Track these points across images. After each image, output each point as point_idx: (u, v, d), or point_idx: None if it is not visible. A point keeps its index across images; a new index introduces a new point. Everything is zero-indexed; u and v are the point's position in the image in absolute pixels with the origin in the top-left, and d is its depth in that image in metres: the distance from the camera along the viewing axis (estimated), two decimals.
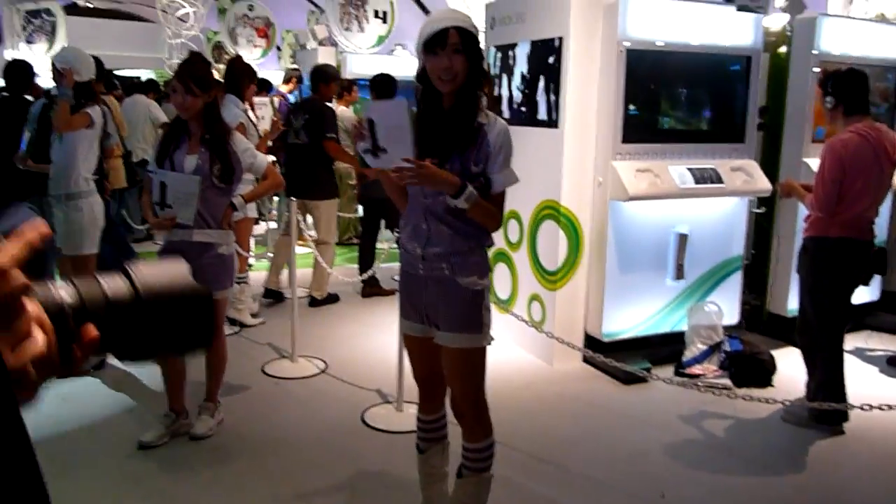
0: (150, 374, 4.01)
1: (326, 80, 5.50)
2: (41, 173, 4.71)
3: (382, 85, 5.64)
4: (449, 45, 2.19)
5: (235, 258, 3.40)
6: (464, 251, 2.29)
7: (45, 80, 11.94)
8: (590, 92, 4.22)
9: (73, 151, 3.98)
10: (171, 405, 3.38)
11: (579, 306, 4.40)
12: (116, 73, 18.34)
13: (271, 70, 15.06)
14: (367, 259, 5.74)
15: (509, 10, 4.64)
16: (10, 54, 15.52)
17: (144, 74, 21.23)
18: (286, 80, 7.54)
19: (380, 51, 11.37)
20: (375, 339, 4.83)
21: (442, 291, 2.30)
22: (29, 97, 5.49)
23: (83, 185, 4.03)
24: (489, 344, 2.36)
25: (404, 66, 8.95)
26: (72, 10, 14.77)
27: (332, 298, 5.65)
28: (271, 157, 7.15)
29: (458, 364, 2.33)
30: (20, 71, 5.75)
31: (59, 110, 3.82)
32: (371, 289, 5.76)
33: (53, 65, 4.03)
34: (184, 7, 15.28)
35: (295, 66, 12.04)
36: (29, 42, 15.18)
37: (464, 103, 2.24)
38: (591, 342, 4.36)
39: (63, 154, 3.97)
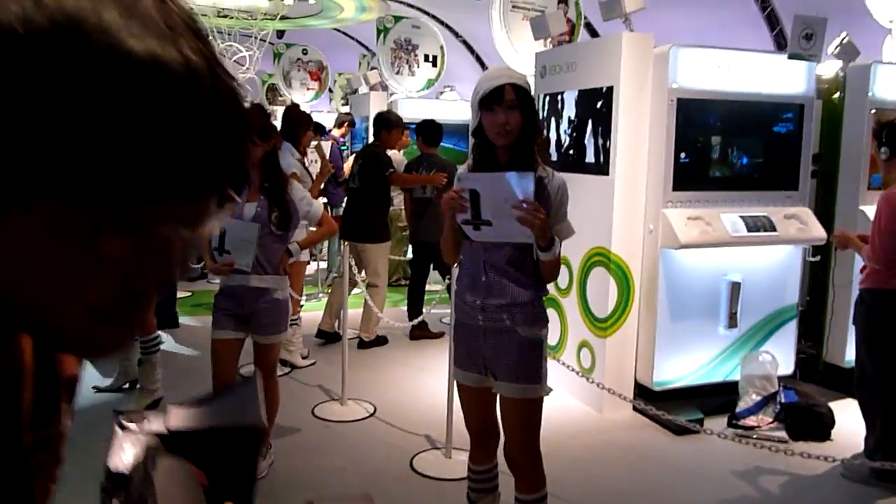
0: None
1: (388, 126, 5.65)
2: None
3: (429, 130, 5.77)
4: (505, 102, 2.27)
5: (290, 302, 3.48)
6: (524, 302, 2.35)
7: None
8: (640, 140, 4.24)
9: None
10: None
11: (630, 354, 4.37)
12: None
13: (323, 112, 15.44)
14: (416, 303, 5.80)
15: (560, 60, 4.72)
16: None
17: None
18: (338, 125, 7.73)
19: (429, 93, 11.60)
20: (424, 384, 4.86)
21: (502, 342, 2.35)
22: None
23: None
24: (547, 394, 2.39)
25: (453, 109, 9.13)
26: None
27: (381, 341, 5.71)
28: (323, 200, 7.34)
29: (517, 414, 2.36)
30: None
31: None
32: (419, 332, 5.81)
33: None
34: (241, 51, 15.84)
35: (347, 110, 12.35)
36: None
37: (520, 157, 2.30)
38: (642, 390, 4.32)
39: None
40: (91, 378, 4.77)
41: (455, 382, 2.58)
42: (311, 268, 7.97)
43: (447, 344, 5.52)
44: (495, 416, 2.48)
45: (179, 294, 6.59)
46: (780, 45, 11.52)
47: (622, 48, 4.17)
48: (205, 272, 8.16)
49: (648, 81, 4.22)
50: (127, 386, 4.56)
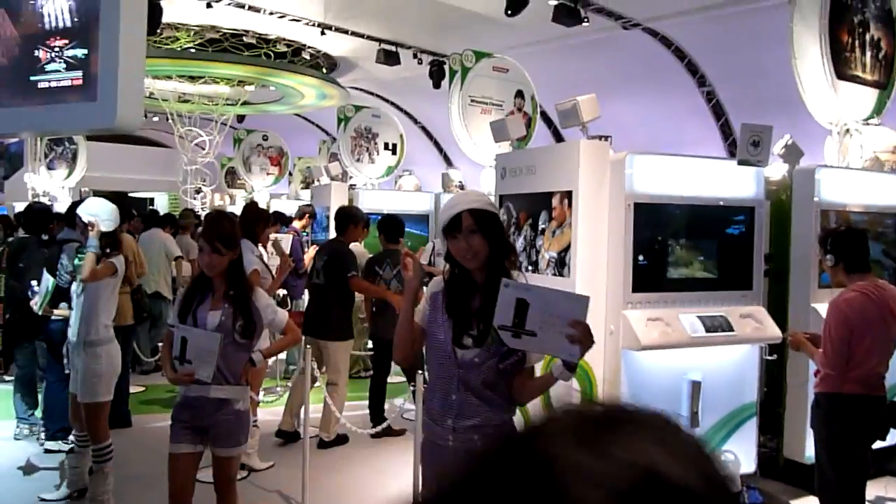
0: None
1: (355, 222, 5.71)
2: (45, 317, 4.84)
3: (391, 227, 5.85)
4: (464, 229, 2.34)
5: (250, 412, 3.42)
6: (498, 423, 2.34)
7: (61, 204, 12.33)
8: (599, 242, 4.36)
9: (96, 300, 4.08)
10: None
11: None
12: (133, 195, 18.90)
13: (282, 199, 15.51)
14: (378, 405, 5.75)
15: (520, 163, 4.86)
16: (29, 178, 16.05)
17: (160, 197, 21.90)
18: (299, 216, 7.77)
19: (388, 180, 11.78)
20: (389, 488, 4.76)
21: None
22: (44, 237, 5.70)
23: (103, 333, 4.11)
24: None
25: (413, 200, 9.27)
26: (92, 136, 15.43)
27: (342, 440, 5.60)
28: (283, 291, 7.29)
29: None
30: (41, 215, 5.99)
31: (86, 261, 3.95)
32: (381, 431, 5.70)
33: (78, 215, 4.18)
34: (201, 135, 15.95)
35: (307, 195, 12.43)
36: (49, 168, 15.72)
37: (494, 275, 2.32)
38: None
39: (86, 303, 4.08)
40: (37, 487, 4.56)
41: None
42: (270, 360, 7.86)
43: (410, 441, 5.48)
44: None
45: (132, 389, 6.40)
46: (726, 133, 12.09)
47: (580, 154, 4.32)
48: (158, 364, 7.97)
49: (606, 186, 4.37)
50: (76, 495, 4.37)
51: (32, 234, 5.90)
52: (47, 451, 5.24)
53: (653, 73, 11.48)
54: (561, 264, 4.41)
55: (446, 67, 12.15)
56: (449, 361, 2.37)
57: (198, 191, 15.97)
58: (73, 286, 4.18)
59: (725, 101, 11.73)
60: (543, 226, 4.58)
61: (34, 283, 4.97)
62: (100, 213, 4.11)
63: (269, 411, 5.96)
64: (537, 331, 2.17)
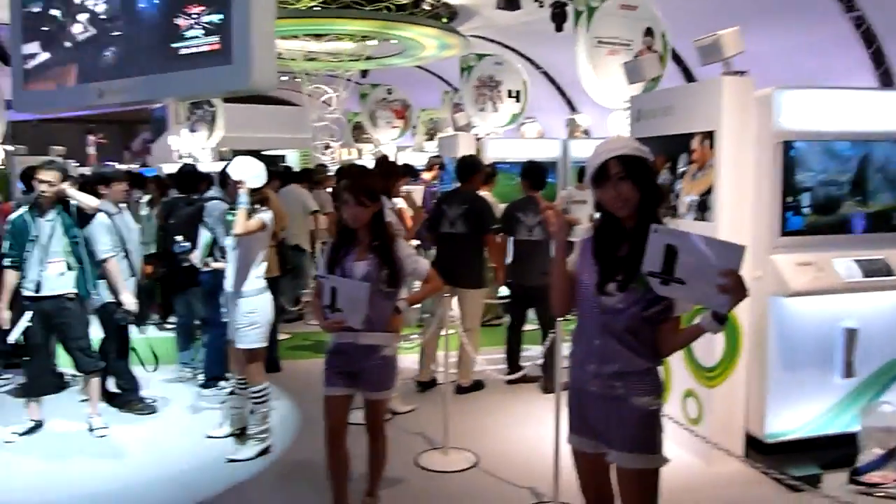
0: (314, 469, 4.22)
1: (480, 170, 5.74)
2: (196, 269, 5.23)
3: (536, 174, 5.79)
4: (613, 176, 2.29)
5: (397, 357, 3.55)
6: (641, 370, 2.33)
7: (203, 164, 13.04)
8: (744, 184, 4.16)
9: (248, 254, 4.33)
10: (335, 500, 3.52)
11: (739, 404, 4.24)
12: (266, 152, 19.69)
13: (407, 151, 15.73)
14: (514, 354, 5.81)
15: (656, 104, 4.69)
16: (173, 140, 17.07)
17: (291, 154, 22.78)
18: (428, 168, 7.86)
19: (513, 128, 11.68)
20: (526, 432, 4.85)
21: (615, 410, 2.33)
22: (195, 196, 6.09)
23: (256, 284, 4.37)
24: (664, 465, 2.36)
25: (540, 147, 9.15)
26: (229, 98, 16.19)
27: (478, 385, 5.73)
28: (414, 242, 7.45)
29: (633, 485, 2.33)
30: (191, 176, 6.43)
31: (239, 217, 4.19)
32: (516, 377, 5.78)
33: (227, 174, 4.41)
34: (328, 92, 16.37)
35: (433, 147, 12.56)
36: (191, 130, 16.60)
37: (644, 223, 2.25)
38: (753, 443, 4.19)
39: (240, 256, 4.33)
40: (203, 425, 4.97)
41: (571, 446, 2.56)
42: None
43: (540, 386, 5.58)
44: (611, 485, 2.45)
45: (279, 337, 6.80)
46: (878, 62, 11.11)
47: (722, 92, 4.11)
48: (301, 314, 8.41)
49: (751, 125, 4.14)
50: (238, 433, 4.73)
51: (184, 193, 6.33)
52: (202, 396, 5.67)
53: (791, 2, 10.66)
54: (702, 208, 4.25)
55: (569, 9, 11.81)
56: (593, 306, 2.37)
57: (326, 146, 16.48)
58: (228, 240, 4.44)
59: (878, 25, 10.76)
60: (683, 169, 4.42)
61: (179, 238, 5.39)
62: (247, 171, 4.33)
63: (406, 358, 6.16)
64: (686, 279, 2.10)
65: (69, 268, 4.79)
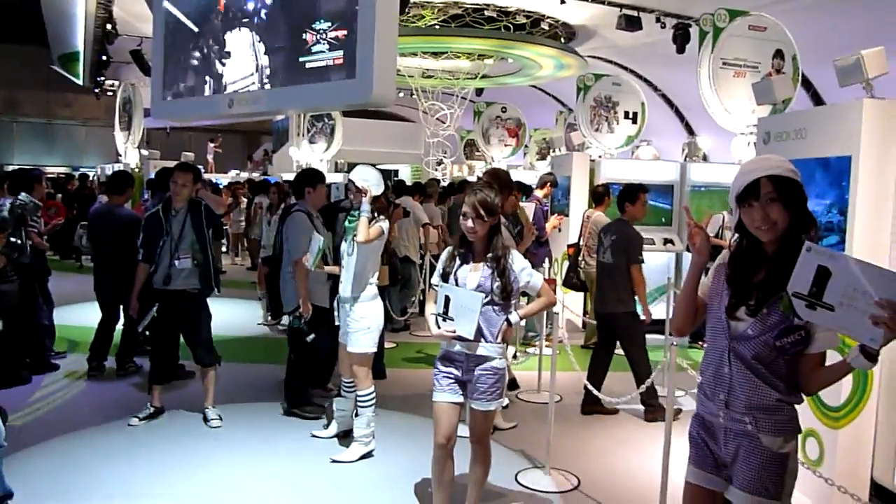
0: (415, 475, 4.26)
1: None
2: None
3: (627, 194, 5.66)
4: (763, 196, 2.16)
5: (507, 370, 3.53)
6: (771, 406, 2.19)
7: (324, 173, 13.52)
8: (883, 210, 3.91)
9: (366, 260, 4.44)
10: None
11: (866, 449, 3.96)
12: (380, 167, 20.24)
13: (519, 169, 15.71)
14: (593, 380, 5.67)
15: (787, 126, 4.49)
16: (294, 152, 17.75)
17: (403, 168, 23.26)
18: (541, 185, 7.83)
19: (627, 150, 11.48)
20: (630, 459, 4.73)
21: (742, 446, 2.21)
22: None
23: (370, 290, 4.47)
24: None
25: (656, 170, 8.95)
26: (348, 112, 16.71)
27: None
28: None
29: None
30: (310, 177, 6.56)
31: (361, 224, 4.30)
32: (592, 406, 5.66)
33: (352, 181, 4.52)
34: (442, 109, 16.65)
35: (545, 166, 12.51)
36: (311, 142, 17.20)
37: (790, 249, 2.12)
38: (880, 492, 3.89)
39: (358, 262, 4.45)
40: (309, 425, 5.11)
41: (685, 479, 2.45)
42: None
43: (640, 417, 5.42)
44: None
45: (386, 345, 6.91)
46: None
47: (863, 115, 3.89)
48: (408, 324, 8.53)
49: (893, 152, 3.89)
50: (342, 435, 4.83)
51: (299, 199, 6.51)
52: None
53: None
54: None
55: (692, 30, 11.53)
56: (722, 332, 2.26)
57: (439, 162, 16.72)
58: (344, 246, 4.57)
59: None
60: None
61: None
62: (370, 179, 4.43)
63: (512, 372, 6.13)
64: (836, 305, 1.95)
65: (196, 264, 5.05)
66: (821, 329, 2.13)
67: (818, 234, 4.38)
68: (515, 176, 12.60)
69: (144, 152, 14.67)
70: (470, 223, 3.35)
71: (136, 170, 14.14)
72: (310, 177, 5.32)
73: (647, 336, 5.66)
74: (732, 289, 2.24)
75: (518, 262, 3.41)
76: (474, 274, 3.37)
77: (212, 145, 23.53)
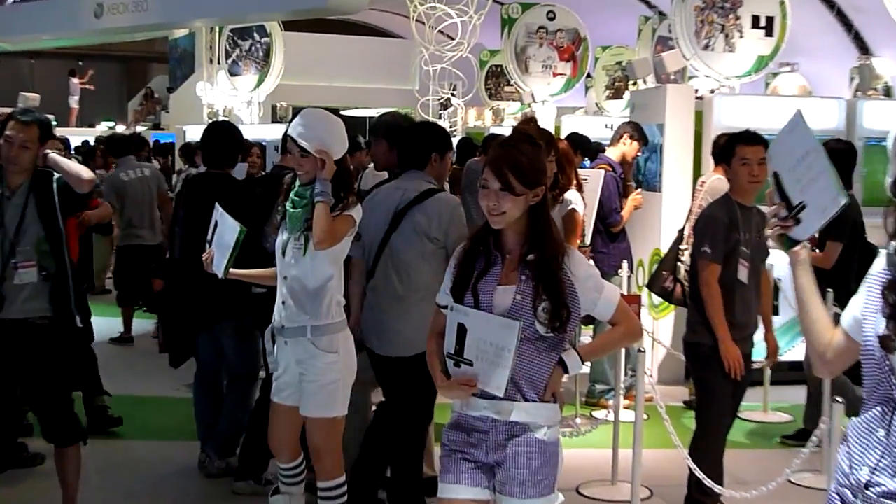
0: None
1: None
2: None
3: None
4: None
5: (560, 445, 3.55)
6: None
7: (248, 128, 13.50)
8: None
9: (326, 267, 4.50)
10: None
11: None
12: (346, 113, 20.34)
13: (577, 114, 15.70)
14: None
15: None
16: (203, 89, 17.77)
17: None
18: (615, 140, 7.86)
19: (757, 79, 11.49)
20: None
21: None
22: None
23: (336, 314, 4.54)
24: None
25: (811, 112, 8.95)
26: (291, 23, 16.61)
27: None
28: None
29: None
30: (224, 137, 6.58)
31: (318, 215, 4.29)
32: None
33: (291, 138, 4.48)
34: (450, 16, 16.57)
35: (625, 114, 12.48)
36: (232, 73, 17.18)
37: None
38: None
39: (315, 269, 4.48)
40: None
41: None
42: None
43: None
44: None
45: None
46: None
47: None
48: None
49: None
50: None
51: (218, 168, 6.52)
52: None
53: None
54: None
55: None
56: (880, 372, 2.39)
57: (444, 104, 16.70)
58: (284, 242, 4.61)
59: None
60: None
61: None
62: (326, 138, 4.38)
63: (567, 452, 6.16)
64: (805, 198, 2.26)
65: (44, 275, 5.05)
66: None
67: None
68: (573, 125, 12.63)
69: None
70: (492, 197, 3.36)
71: None
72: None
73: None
74: (892, 308, 2.34)
75: (579, 268, 3.42)
76: (505, 288, 3.38)
77: (75, 81, 23.69)
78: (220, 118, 15.60)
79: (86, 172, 5.27)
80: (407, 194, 5.13)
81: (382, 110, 23.66)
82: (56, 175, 5.19)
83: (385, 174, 5.92)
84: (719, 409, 5.40)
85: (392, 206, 5.12)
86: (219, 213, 4.73)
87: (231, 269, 4.72)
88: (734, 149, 5.40)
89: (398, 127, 5.74)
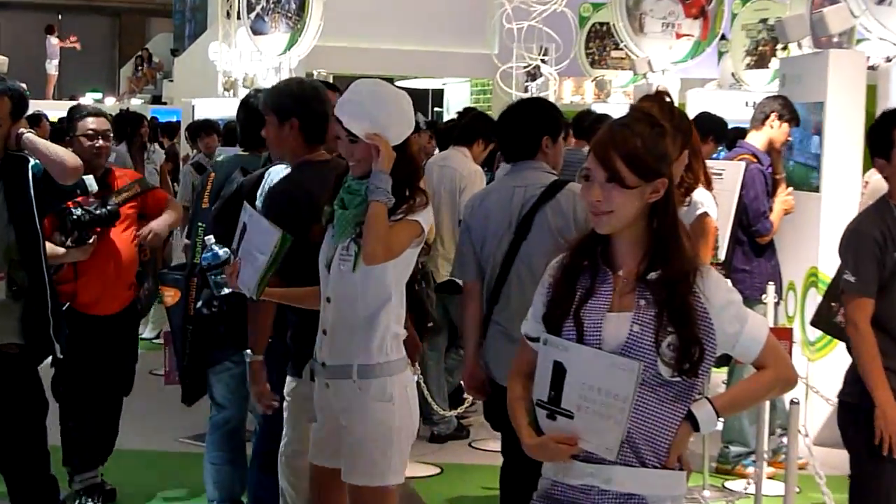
0: None
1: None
2: None
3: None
4: None
5: None
6: None
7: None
8: None
9: (383, 288, 4.50)
10: None
11: None
12: (401, 84, 20.49)
13: (707, 89, 15.66)
14: None
15: None
16: (215, 52, 17.93)
17: (453, 87, 23.34)
18: (758, 122, 7.77)
19: None
20: None
21: None
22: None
23: (392, 351, 4.53)
24: None
25: None
26: None
27: None
28: None
29: None
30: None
31: (371, 219, 4.21)
32: None
33: (339, 119, 4.46)
34: None
35: (773, 88, 12.41)
36: (256, 31, 17.27)
37: None
38: None
39: (368, 290, 4.48)
40: None
41: None
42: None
43: None
44: None
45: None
46: None
47: None
48: (465, 425, 8.60)
49: None
50: None
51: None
52: None
53: None
54: None
55: None
56: None
57: (532, 74, 16.76)
58: (328, 253, 4.64)
59: None
60: None
61: None
62: (385, 114, 4.38)
63: None
64: None
65: (14, 290, 5.09)
66: None
67: None
68: (700, 103, 12.57)
69: None
70: (596, 192, 3.34)
71: None
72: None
73: None
74: None
75: (717, 292, 3.38)
76: (618, 316, 3.36)
77: (53, 41, 24.03)
78: (242, 90, 15.66)
79: (71, 159, 5.29)
80: (529, 191, 5.16)
81: (451, 81, 23.89)
82: (32, 161, 5.22)
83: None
84: (879, 499, 5.13)
85: (514, 210, 5.15)
86: (248, 213, 4.65)
87: (267, 289, 4.66)
88: (892, 135, 5.14)
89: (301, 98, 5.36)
